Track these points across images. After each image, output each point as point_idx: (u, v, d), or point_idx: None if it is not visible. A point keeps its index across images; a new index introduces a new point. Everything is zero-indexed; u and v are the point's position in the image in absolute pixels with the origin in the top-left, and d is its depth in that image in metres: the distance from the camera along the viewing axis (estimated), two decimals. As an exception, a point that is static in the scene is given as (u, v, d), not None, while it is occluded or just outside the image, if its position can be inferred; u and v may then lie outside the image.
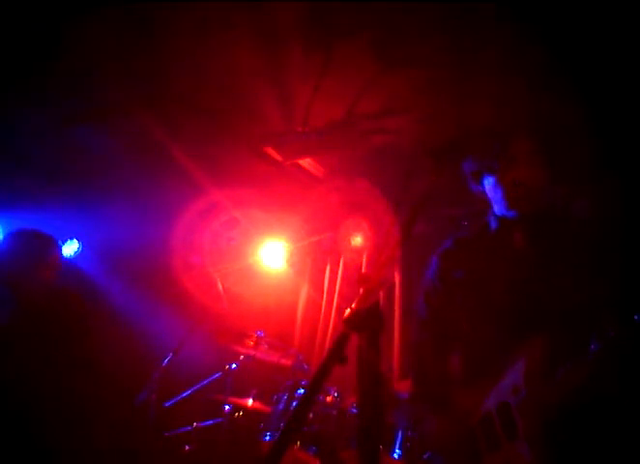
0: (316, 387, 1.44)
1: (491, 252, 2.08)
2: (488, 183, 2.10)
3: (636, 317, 1.61)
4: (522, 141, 2.05)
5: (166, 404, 4.17)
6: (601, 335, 1.65)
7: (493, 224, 2.14)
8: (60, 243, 3.57)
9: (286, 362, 4.25)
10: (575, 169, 2.15)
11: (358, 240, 5.12)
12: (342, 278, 5.38)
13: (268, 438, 3.68)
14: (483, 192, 2.14)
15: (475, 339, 2.01)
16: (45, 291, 3.35)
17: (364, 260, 5.19)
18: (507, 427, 1.77)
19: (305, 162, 4.55)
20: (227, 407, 4.14)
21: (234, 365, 4.31)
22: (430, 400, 2.09)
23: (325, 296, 5.37)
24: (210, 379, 4.37)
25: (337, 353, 1.38)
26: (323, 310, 5.31)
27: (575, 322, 1.77)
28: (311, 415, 3.50)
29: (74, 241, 4.91)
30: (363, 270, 5.07)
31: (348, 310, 1.42)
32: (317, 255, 5.58)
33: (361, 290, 1.45)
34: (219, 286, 4.66)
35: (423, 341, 2.21)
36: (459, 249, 2.20)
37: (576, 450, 1.71)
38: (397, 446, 3.28)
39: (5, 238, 3.51)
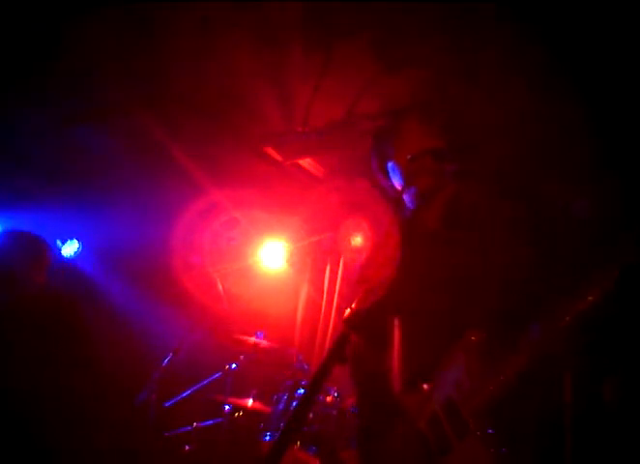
0: (316, 387, 1.44)
1: (413, 243, 2.00)
2: (391, 170, 2.04)
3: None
4: (411, 116, 2.00)
5: (166, 404, 4.17)
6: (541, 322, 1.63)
7: (406, 213, 2.07)
8: (50, 243, 3.57)
9: (286, 362, 4.25)
10: (575, 169, 2.15)
11: (358, 240, 5.12)
12: (342, 278, 5.37)
13: (268, 438, 3.68)
14: (392, 186, 2.08)
15: (410, 340, 1.97)
16: (38, 291, 3.35)
17: (364, 260, 5.19)
18: (455, 425, 1.72)
19: (305, 162, 4.55)
20: (227, 407, 4.15)
21: (234, 365, 4.31)
22: (378, 411, 2.01)
23: (325, 296, 5.37)
24: (210, 379, 4.38)
25: (337, 353, 1.38)
26: (323, 310, 5.31)
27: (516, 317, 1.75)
28: (311, 415, 3.50)
29: (74, 241, 4.91)
30: (363, 270, 5.07)
31: (348, 310, 1.42)
32: (317, 255, 5.58)
33: (361, 290, 1.45)
34: (219, 286, 4.66)
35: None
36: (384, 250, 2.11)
37: (529, 437, 1.70)
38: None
39: None
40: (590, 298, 1.48)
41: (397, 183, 2.04)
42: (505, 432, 1.65)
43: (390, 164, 2.03)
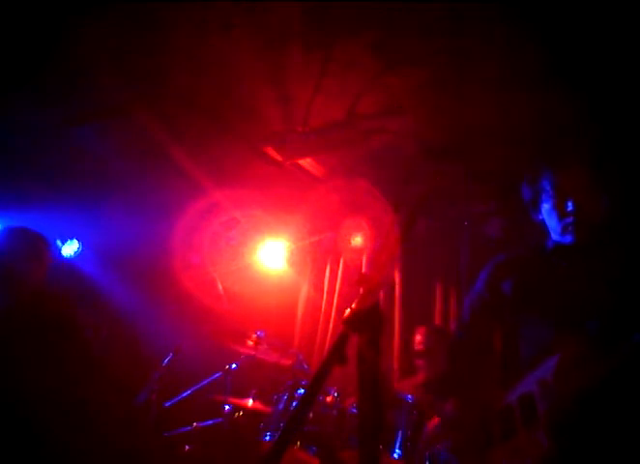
0: (316, 387, 1.44)
1: (543, 273, 2.09)
2: (545, 209, 2.10)
3: None
4: (577, 166, 2.06)
5: (166, 404, 4.17)
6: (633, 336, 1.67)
7: (549, 247, 2.15)
8: (50, 241, 3.56)
9: (286, 362, 4.25)
10: (575, 169, 2.14)
11: (358, 240, 5.12)
12: (342, 278, 5.38)
13: (268, 438, 3.68)
14: (543, 221, 2.15)
15: (514, 342, 2.05)
16: (38, 289, 3.34)
17: (364, 260, 5.19)
18: (526, 416, 1.79)
19: (306, 162, 4.55)
20: (227, 407, 4.14)
21: (234, 365, 4.31)
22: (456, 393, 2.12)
23: (325, 296, 5.37)
24: (210, 379, 4.37)
25: (337, 353, 1.38)
26: (323, 310, 5.31)
27: (614, 324, 1.79)
28: (311, 415, 3.50)
29: (74, 241, 4.91)
30: (363, 270, 5.07)
31: (348, 310, 1.42)
32: (317, 255, 5.58)
33: (361, 290, 1.45)
34: (219, 286, 4.66)
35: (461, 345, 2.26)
36: (511, 265, 2.21)
37: (594, 442, 1.71)
38: (397, 446, 3.28)
39: None
40: None
41: (549, 224, 2.12)
42: (574, 433, 1.68)
43: (546, 204, 2.11)
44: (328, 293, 5.37)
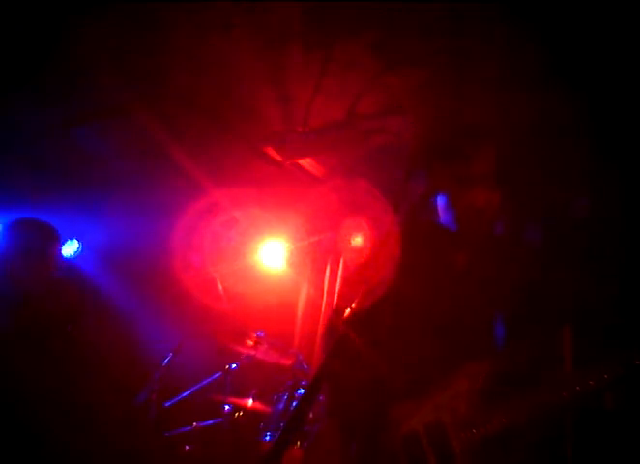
0: (316, 387, 1.43)
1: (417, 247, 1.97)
2: (441, 202, 2.02)
3: None
4: (481, 163, 1.97)
5: (166, 404, 4.17)
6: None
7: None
8: (60, 235, 3.43)
9: (286, 362, 4.25)
10: (575, 169, 2.14)
11: (358, 240, 5.12)
12: (342, 278, 5.37)
13: (268, 438, 3.68)
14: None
15: (415, 353, 1.91)
16: (46, 287, 3.31)
17: (364, 260, 5.18)
18: (438, 449, 1.67)
19: (306, 162, 4.54)
20: (227, 407, 4.14)
21: (234, 365, 4.31)
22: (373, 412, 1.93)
23: (325, 296, 5.37)
24: (210, 379, 4.37)
25: (337, 353, 1.38)
26: (323, 310, 5.31)
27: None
28: (311, 415, 3.50)
29: (74, 241, 4.91)
30: (363, 270, 5.06)
31: (348, 310, 1.42)
32: (317, 255, 5.58)
33: (361, 290, 1.45)
34: (219, 286, 4.66)
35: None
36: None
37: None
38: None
39: (5, 228, 3.32)
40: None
41: (443, 216, 2.03)
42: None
43: (442, 198, 2.01)
44: (328, 293, 5.37)
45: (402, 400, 1.83)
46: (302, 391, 3.77)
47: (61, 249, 3.38)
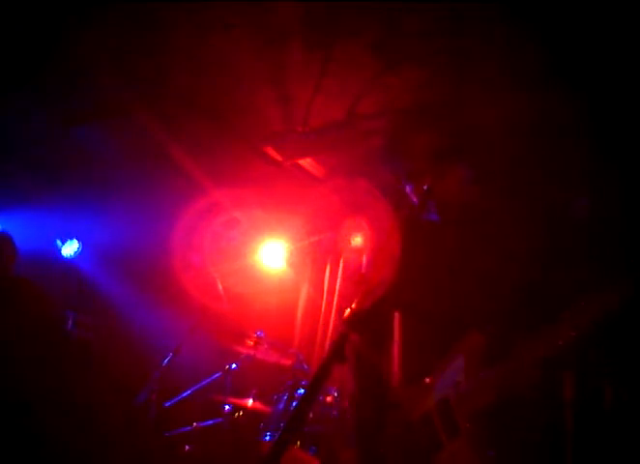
0: (316, 387, 1.43)
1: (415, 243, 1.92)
2: (409, 188, 2.04)
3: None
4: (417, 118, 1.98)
5: (166, 404, 4.17)
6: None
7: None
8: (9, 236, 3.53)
9: (286, 362, 4.25)
10: (575, 168, 2.14)
11: (358, 240, 5.12)
12: (342, 278, 5.37)
13: (268, 438, 3.68)
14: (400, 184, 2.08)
15: (411, 339, 1.96)
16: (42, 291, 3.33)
17: (364, 260, 5.19)
18: (447, 425, 1.71)
19: (306, 162, 4.55)
20: (227, 407, 4.14)
21: (234, 365, 4.31)
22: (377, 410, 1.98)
23: (325, 296, 5.37)
24: (210, 379, 4.37)
25: (337, 353, 1.38)
26: (323, 310, 5.31)
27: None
28: (311, 415, 3.50)
29: (74, 241, 4.91)
30: (363, 270, 5.07)
31: (348, 310, 1.42)
32: (317, 255, 5.58)
33: (361, 290, 1.45)
34: (219, 286, 4.66)
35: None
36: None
37: (511, 445, 1.68)
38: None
39: None
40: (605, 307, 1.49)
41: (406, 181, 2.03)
42: (496, 435, 1.65)
43: (408, 186, 2.03)
44: (328, 293, 5.37)
45: (414, 383, 1.86)
46: (302, 390, 3.76)
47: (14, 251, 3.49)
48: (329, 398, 3.59)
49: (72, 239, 4.89)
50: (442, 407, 1.74)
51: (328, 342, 5.05)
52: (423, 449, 1.75)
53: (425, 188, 1.85)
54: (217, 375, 4.35)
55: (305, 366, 4.14)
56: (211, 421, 4.23)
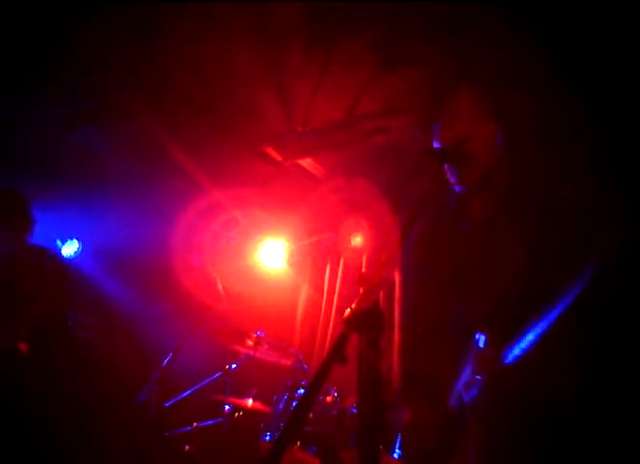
0: (316, 387, 1.44)
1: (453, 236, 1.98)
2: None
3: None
4: (462, 95, 1.95)
5: (166, 404, 4.17)
6: None
7: (452, 203, 2.01)
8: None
9: (286, 362, 4.25)
10: (575, 169, 2.14)
11: (358, 240, 5.12)
12: (342, 278, 5.37)
13: (268, 438, 3.68)
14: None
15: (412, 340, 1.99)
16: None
17: (364, 260, 5.19)
18: (454, 427, 1.75)
19: (306, 162, 4.55)
20: (227, 407, 4.14)
21: (234, 365, 4.31)
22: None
23: (325, 296, 5.37)
24: (210, 379, 4.37)
25: (337, 353, 1.38)
26: (323, 310, 5.31)
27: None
28: (311, 415, 3.50)
29: (74, 241, 4.91)
30: (363, 270, 5.07)
31: (348, 310, 1.42)
32: (317, 255, 5.58)
33: (361, 290, 1.45)
34: (219, 286, 4.66)
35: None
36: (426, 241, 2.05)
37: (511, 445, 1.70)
38: (397, 446, 3.28)
39: None
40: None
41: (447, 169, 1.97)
42: (501, 431, 1.66)
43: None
44: (328, 293, 5.37)
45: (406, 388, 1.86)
46: (302, 390, 3.76)
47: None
48: (329, 398, 3.59)
49: (72, 239, 4.89)
50: (459, 407, 1.76)
51: (328, 342, 5.05)
52: (433, 450, 1.77)
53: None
54: (216, 375, 4.35)
55: (305, 366, 4.14)
56: (211, 421, 4.23)
